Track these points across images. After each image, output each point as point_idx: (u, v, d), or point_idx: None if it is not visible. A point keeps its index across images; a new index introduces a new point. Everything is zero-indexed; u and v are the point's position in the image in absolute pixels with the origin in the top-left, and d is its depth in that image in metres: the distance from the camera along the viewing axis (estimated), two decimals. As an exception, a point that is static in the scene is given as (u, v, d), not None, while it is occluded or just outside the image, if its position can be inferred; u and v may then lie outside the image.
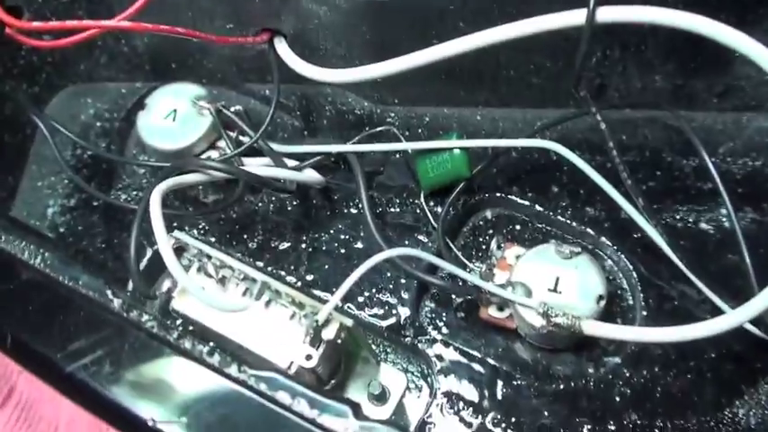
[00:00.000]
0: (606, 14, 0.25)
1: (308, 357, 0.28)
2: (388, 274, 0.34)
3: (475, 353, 0.32)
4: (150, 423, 0.25)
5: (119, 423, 0.26)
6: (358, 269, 0.28)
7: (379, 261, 0.28)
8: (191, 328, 0.30)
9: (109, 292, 0.32)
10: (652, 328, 0.29)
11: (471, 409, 0.31)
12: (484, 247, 0.35)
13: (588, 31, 0.26)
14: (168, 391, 0.27)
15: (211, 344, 0.27)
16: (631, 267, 0.33)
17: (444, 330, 0.33)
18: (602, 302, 0.31)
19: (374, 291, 0.34)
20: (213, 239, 0.36)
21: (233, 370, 0.26)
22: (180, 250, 0.31)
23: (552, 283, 0.31)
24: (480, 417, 0.30)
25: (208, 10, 0.36)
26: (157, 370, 0.27)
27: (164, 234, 0.27)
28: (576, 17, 0.26)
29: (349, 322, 0.28)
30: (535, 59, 0.34)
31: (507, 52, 0.34)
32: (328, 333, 0.27)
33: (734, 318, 0.27)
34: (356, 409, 0.28)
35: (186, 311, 0.30)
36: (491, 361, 0.32)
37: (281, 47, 0.36)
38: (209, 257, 0.30)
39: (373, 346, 0.32)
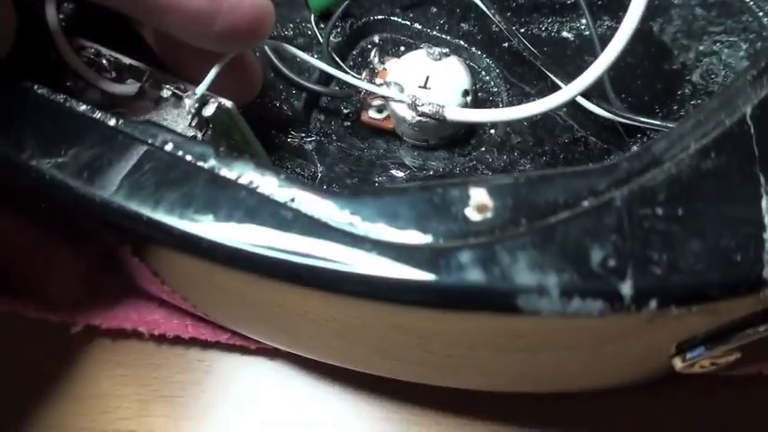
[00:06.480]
0: None
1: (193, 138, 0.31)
2: (281, 87, 0.37)
3: (357, 152, 0.35)
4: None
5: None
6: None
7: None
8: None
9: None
10: (500, 108, 0.32)
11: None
12: (371, 66, 0.38)
13: None
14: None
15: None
16: (498, 72, 0.36)
17: (333, 136, 0.36)
18: (468, 97, 0.34)
19: (265, 99, 0.36)
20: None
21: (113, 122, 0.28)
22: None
23: (423, 81, 0.34)
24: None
25: None
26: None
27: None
28: None
29: (228, 104, 0.31)
30: None
31: None
32: (207, 110, 0.30)
33: (567, 91, 0.29)
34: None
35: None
36: (371, 158, 0.35)
37: None
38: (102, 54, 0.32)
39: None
